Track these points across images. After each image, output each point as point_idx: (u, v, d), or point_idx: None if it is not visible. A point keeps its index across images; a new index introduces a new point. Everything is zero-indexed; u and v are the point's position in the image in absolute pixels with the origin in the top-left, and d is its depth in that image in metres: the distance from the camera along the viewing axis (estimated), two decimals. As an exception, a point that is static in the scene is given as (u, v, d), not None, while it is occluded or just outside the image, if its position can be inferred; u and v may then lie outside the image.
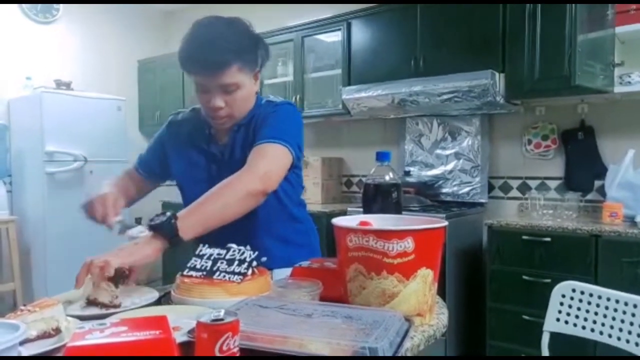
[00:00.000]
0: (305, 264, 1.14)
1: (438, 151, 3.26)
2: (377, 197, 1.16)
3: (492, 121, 3.11)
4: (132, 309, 1.00)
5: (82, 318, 0.93)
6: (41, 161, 3.79)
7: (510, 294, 2.49)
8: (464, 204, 3.08)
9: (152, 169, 1.48)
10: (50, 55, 4.30)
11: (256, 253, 1.07)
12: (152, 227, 1.07)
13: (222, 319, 0.66)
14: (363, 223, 0.99)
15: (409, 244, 0.88)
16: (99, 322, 0.70)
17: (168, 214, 1.08)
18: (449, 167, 3.20)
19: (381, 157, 1.17)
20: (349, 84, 3.25)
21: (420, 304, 0.91)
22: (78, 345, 0.63)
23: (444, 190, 3.20)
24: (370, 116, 3.32)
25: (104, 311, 1.00)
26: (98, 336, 0.66)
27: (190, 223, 1.08)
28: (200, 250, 1.09)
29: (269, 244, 1.29)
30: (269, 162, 1.21)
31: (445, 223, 0.93)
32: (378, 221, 1.02)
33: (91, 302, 1.04)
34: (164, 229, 1.05)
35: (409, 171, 3.27)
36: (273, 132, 1.26)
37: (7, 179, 4.00)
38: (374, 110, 3.19)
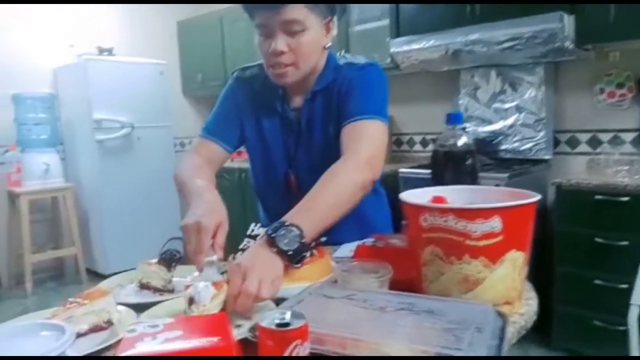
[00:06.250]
0: (369, 241, 1.04)
1: (496, 105, 3.02)
2: (449, 165, 1.02)
3: (558, 70, 2.83)
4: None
5: (135, 307, 0.87)
6: (90, 129, 3.83)
7: (580, 257, 2.31)
8: (526, 161, 2.85)
9: (231, 134, 1.26)
10: (90, 21, 4.27)
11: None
12: (286, 252, 0.85)
13: (288, 324, 0.57)
14: (436, 198, 0.87)
15: (496, 223, 0.75)
16: (151, 324, 0.63)
17: (294, 230, 0.86)
18: (509, 121, 2.96)
19: (452, 119, 1.03)
20: (398, 36, 3.02)
21: (508, 290, 0.79)
22: (128, 356, 0.56)
23: (503, 147, 2.99)
24: (421, 69, 3.10)
25: (157, 296, 0.95)
26: (150, 343, 0.58)
27: (310, 231, 0.89)
28: (252, 230, 1.00)
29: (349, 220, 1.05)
30: (370, 145, 1.06)
31: (538, 196, 0.79)
32: (452, 194, 0.90)
33: (144, 286, 0.99)
34: (297, 254, 0.86)
35: (465, 127, 3.06)
36: (366, 105, 1.12)
37: (60, 147, 4.08)
38: (425, 64, 2.97)
